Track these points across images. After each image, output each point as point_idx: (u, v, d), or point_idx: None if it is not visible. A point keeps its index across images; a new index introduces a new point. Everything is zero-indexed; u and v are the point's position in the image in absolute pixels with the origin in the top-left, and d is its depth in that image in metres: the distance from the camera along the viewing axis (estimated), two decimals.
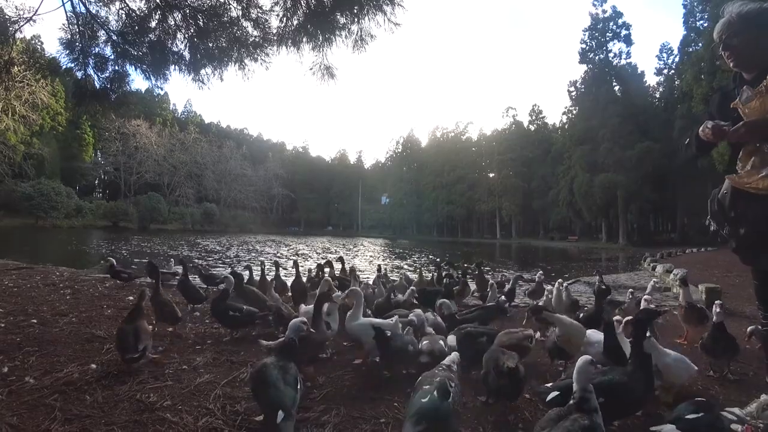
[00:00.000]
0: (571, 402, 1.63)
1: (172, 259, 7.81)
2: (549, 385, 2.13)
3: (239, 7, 5.46)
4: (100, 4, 5.43)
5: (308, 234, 68.46)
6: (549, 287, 4.86)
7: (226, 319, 3.51)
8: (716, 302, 3.12)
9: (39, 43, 41.14)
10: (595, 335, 2.77)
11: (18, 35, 5.33)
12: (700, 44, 37.34)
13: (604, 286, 5.01)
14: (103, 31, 5.51)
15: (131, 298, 4.91)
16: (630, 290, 5.39)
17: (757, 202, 1.91)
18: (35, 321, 3.80)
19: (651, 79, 51.29)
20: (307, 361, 2.70)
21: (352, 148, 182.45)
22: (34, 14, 5.07)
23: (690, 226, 45.09)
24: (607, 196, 44.13)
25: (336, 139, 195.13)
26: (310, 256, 21.15)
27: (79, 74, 5.63)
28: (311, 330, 2.59)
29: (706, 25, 36.89)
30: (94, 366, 2.69)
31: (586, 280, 10.41)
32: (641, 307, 3.51)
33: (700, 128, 2.09)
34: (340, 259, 6.73)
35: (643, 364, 2.04)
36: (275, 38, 5.50)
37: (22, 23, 5.14)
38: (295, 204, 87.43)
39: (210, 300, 4.00)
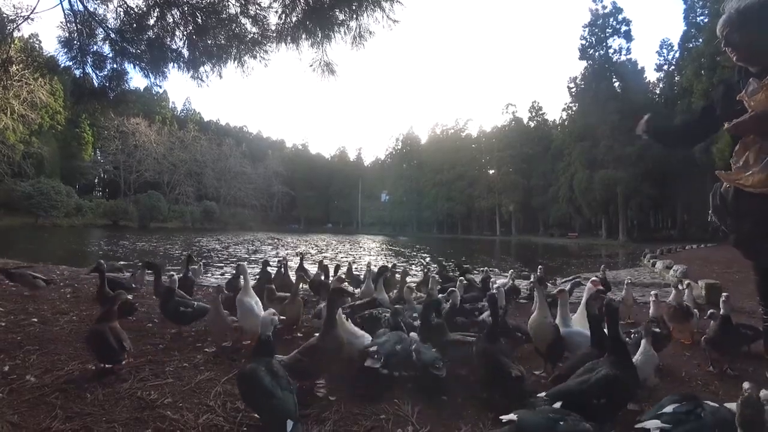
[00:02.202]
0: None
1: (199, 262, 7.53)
2: (543, 395, 2.05)
3: (237, 4, 5.46)
4: (98, 1, 5.42)
5: (308, 231, 68.45)
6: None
7: (177, 316, 3.48)
8: (723, 294, 3.14)
9: (37, 42, 40.96)
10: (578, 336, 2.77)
11: (16, 34, 5.34)
12: (701, 40, 37.29)
13: (597, 277, 4.95)
14: (101, 29, 5.50)
15: (130, 297, 4.90)
16: (627, 279, 5.37)
17: (759, 199, 1.90)
18: (36, 320, 3.80)
19: (651, 75, 51.19)
20: (317, 375, 2.47)
21: (351, 145, 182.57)
22: (31, 13, 5.07)
23: (690, 222, 45.11)
24: (606, 192, 44.10)
25: (335, 136, 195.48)
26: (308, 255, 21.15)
27: (77, 72, 5.63)
28: (325, 337, 2.37)
29: (706, 20, 36.80)
30: (92, 366, 2.69)
31: (587, 276, 10.40)
32: (651, 306, 3.51)
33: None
34: (300, 256, 6.41)
35: (623, 353, 2.05)
36: (274, 35, 5.50)
37: (20, 22, 5.14)
38: (295, 202, 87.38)
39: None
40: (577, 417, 1.60)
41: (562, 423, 1.55)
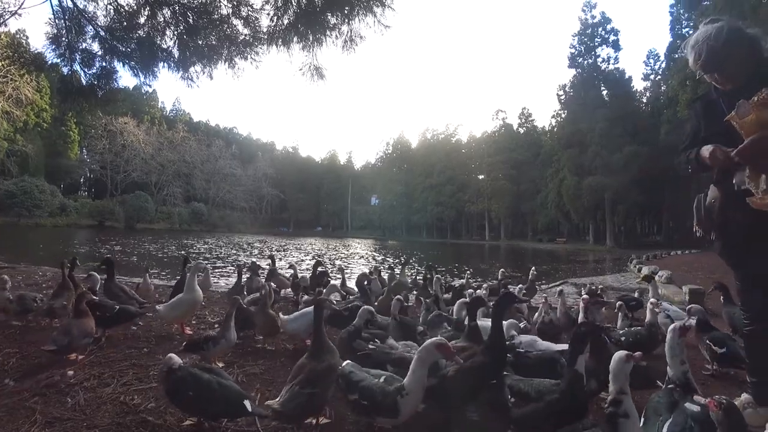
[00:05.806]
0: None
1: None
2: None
3: (229, 5, 5.44)
4: None
5: (298, 234, 68.07)
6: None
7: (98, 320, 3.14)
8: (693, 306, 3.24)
9: (24, 38, 40.14)
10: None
11: (2, 29, 5.27)
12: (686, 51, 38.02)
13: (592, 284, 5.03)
14: (91, 27, 5.44)
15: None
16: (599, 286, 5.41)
17: (749, 212, 1.90)
18: (16, 322, 3.72)
19: (638, 84, 52.12)
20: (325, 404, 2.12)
21: (342, 148, 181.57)
22: (19, 8, 5.01)
23: (675, 229, 45.86)
24: (594, 198, 44.65)
25: (326, 139, 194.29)
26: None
27: (65, 70, 5.55)
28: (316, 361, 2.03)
29: (691, 32, 37.43)
30: (71, 372, 2.62)
31: (574, 281, 10.53)
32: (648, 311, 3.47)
33: (703, 151, 2.04)
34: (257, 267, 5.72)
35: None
36: (265, 37, 5.48)
37: (7, 17, 5.09)
38: (285, 204, 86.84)
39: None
40: None
41: None
